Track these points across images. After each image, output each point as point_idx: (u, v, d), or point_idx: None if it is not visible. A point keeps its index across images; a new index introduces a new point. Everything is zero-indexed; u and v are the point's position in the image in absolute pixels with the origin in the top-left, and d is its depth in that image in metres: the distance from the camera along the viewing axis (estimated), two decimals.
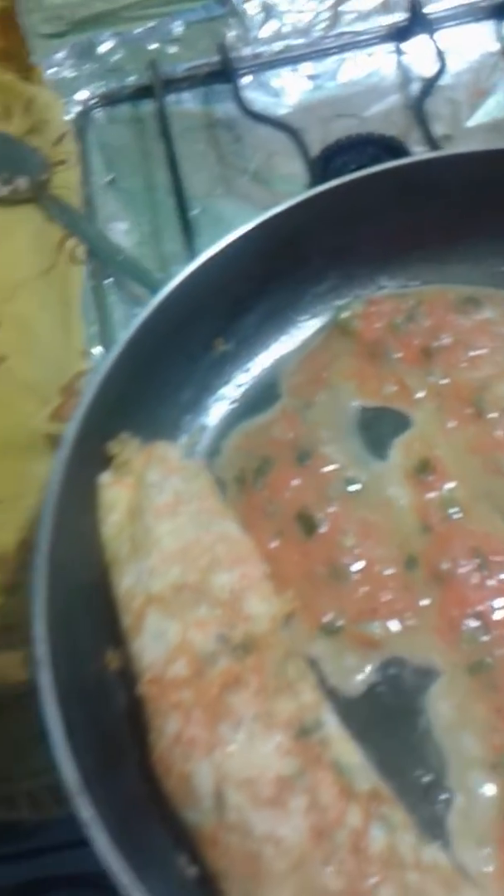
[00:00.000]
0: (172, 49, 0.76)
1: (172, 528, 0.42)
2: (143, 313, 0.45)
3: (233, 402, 0.50)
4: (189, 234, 0.60)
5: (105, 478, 0.44)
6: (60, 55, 0.76)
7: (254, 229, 0.49)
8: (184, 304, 0.47)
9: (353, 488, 0.45)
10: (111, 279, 0.63)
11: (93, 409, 0.42)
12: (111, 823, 0.32)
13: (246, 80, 0.73)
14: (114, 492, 0.44)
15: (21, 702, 0.47)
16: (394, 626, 0.41)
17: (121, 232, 0.66)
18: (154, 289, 0.59)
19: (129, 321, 0.60)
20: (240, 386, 0.50)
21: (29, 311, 0.61)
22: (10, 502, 0.52)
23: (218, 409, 0.50)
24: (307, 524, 0.44)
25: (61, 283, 0.62)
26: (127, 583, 0.41)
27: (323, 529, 0.44)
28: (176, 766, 0.35)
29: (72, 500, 0.41)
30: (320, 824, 0.33)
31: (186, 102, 0.74)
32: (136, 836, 0.33)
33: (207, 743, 0.35)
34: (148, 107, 0.74)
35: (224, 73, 0.73)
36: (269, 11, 0.76)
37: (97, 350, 0.59)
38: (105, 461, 0.45)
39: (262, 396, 0.50)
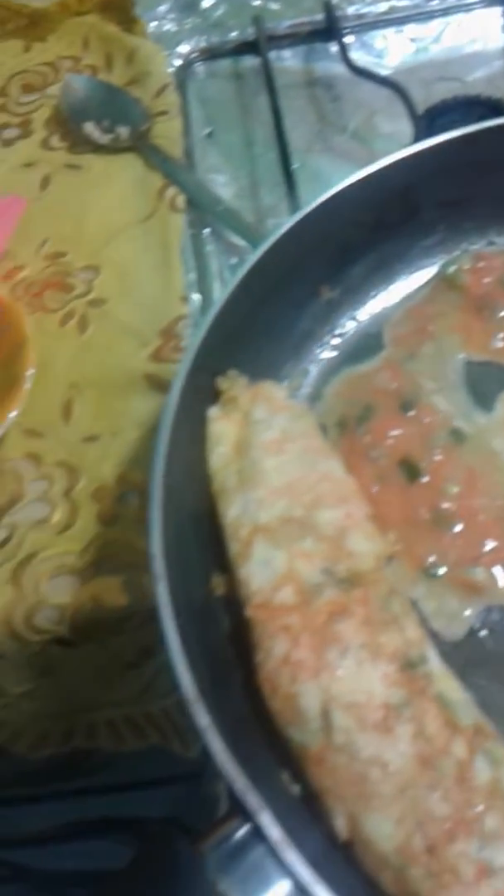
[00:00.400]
0: (275, 6, 0.76)
1: (278, 463, 0.43)
2: (256, 255, 0.45)
3: (335, 349, 0.50)
4: (292, 186, 0.60)
5: (213, 412, 0.45)
6: (163, 8, 0.76)
7: (367, 178, 0.48)
8: (294, 249, 0.47)
9: (457, 439, 0.45)
10: (209, 229, 0.64)
11: (205, 345, 0.43)
12: (222, 734, 0.33)
13: (348, 39, 0.73)
14: (221, 426, 0.44)
15: (116, 628, 0.49)
16: (497, 573, 0.41)
17: (219, 184, 0.67)
18: (252, 239, 0.60)
19: (225, 270, 0.62)
20: (342, 334, 0.51)
21: (128, 257, 0.62)
22: (108, 438, 0.54)
23: (320, 355, 0.50)
24: (411, 471, 0.44)
25: (161, 230, 0.63)
26: (234, 512, 0.41)
27: (426, 477, 0.44)
28: (283, 687, 0.36)
29: (183, 430, 0.42)
30: (426, 752, 0.34)
31: (286, 60, 0.74)
32: (242, 751, 0.34)
33: (314, 666, 0.36)
34: (248, 62, 0.74)
35: (326, 31, 0.73)
36: None
37: (196, 297, 0.60)
38: (213, 397, 0.46)
39: (364, 345, 0.50)
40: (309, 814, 0.34)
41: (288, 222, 0.46)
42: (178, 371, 0.42)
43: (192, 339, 0.43)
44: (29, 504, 0.51)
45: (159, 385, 0.55)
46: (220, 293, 0.44)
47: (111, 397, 0.55)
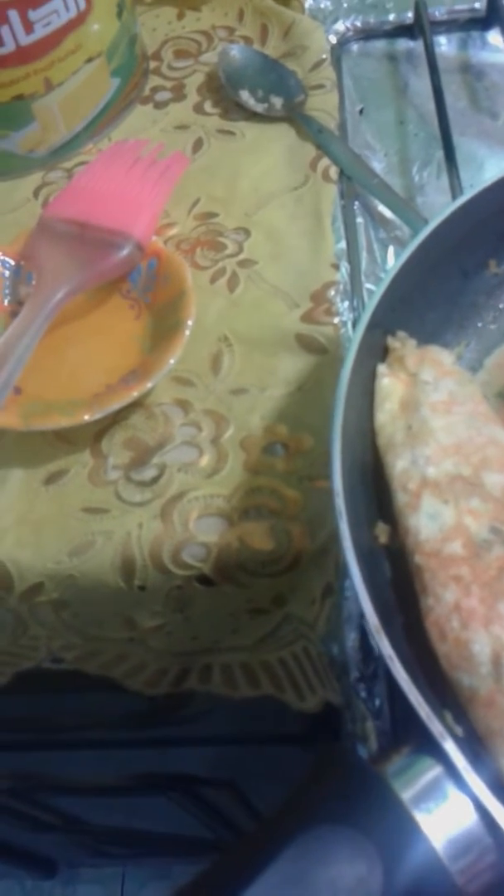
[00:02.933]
0: None
1: (447, 423, 0.44)
2: (437, 220, 0.46)
3: (498, 322, 0.51)
4: (453, 165, 0.61)
5: (382, 368, 0.46)
6: None
7: None
8: (469, 219, 0.48)
9: None
10: (358, 202, 0.65)
11: (382, 303, 0.44)
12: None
13: None
14: (388, 383, 0.45)
15: (257, 571, 0.50)
16: None
17: (368, 159, 0.68)
18: (404, 214, 0.61)
19: (374, 243, 0.63)
20: None
21: (280, 222, 0.64)
22: (256, 392, 0.55)
23: (482, 327, 0.51)
24: None
25: (313, 198, 0.64)
26: (402, 465, 0.42)
27: None
28: (453, 632, 0.37)
29: (355, 382, 0.43)
30: None
31: (441, 46, 0.75)
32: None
33: (486, 616, 0.37)
34: (403, 45, 0.75)
35: (486, 20, 0.73)
36: None
37: (345, 266, 0.61)
38: (380, 354, 0.47)
39: None
40: (472, 755, 0.35)
41: (470, 192, 0.47)
42: (358, 325, 0.44)
43: (372, 296, 0.44)
44: (179, 446, 0.53)
45: (309, 346, 0.56)
46: (400, 254, 0.45)
47: (260, 354, 0.57)
